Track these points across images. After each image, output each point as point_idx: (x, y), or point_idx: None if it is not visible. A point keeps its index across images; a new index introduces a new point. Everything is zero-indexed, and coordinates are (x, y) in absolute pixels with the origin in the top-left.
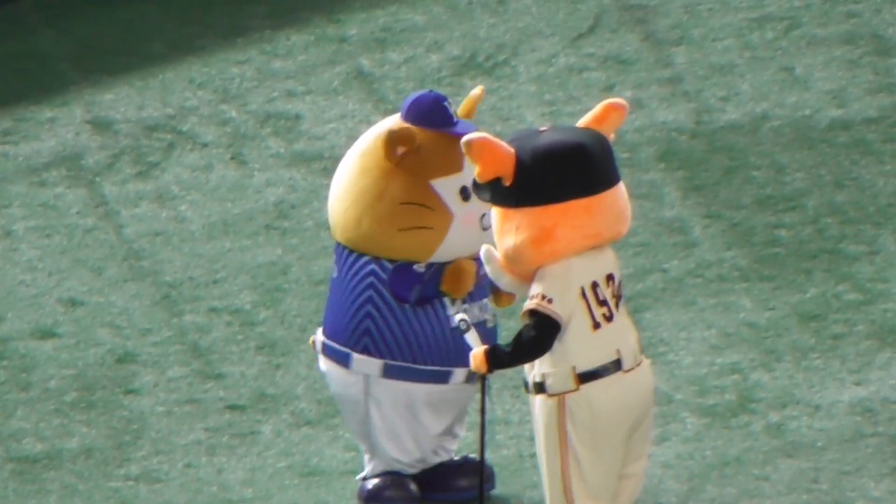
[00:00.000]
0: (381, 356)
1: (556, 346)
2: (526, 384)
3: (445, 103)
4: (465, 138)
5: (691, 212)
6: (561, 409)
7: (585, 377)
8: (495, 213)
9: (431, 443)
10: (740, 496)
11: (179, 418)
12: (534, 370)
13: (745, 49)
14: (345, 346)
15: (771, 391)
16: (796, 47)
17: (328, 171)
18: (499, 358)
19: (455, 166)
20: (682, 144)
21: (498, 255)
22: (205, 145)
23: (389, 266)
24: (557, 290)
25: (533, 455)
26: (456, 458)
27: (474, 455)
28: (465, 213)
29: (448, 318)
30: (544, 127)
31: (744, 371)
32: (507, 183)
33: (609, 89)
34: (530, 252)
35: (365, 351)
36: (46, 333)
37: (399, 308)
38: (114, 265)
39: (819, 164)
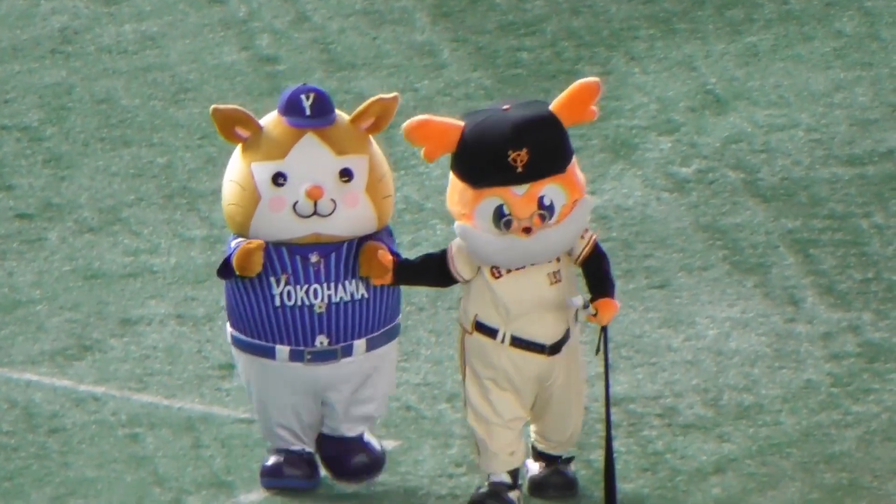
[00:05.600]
0: (230, 322)
1: None
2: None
3: (304, 95)
4: (405, 125)
5: (440, 36)
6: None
7: None
8: (577, 175)
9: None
10: None
11: None
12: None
13: None
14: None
15: None
16: None
17: (109, 1)
18: (612, 287)
19: (278, 153)
20: None
21: None
22: None
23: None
24: None
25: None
26: (349, 435)
27: (370, 438)
28: (274, 198)
29: (272, 295)
30: (506, 105)
31: None
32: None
33: None
34: None
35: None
36: None
37: (230, 279)
38: None
39: None
